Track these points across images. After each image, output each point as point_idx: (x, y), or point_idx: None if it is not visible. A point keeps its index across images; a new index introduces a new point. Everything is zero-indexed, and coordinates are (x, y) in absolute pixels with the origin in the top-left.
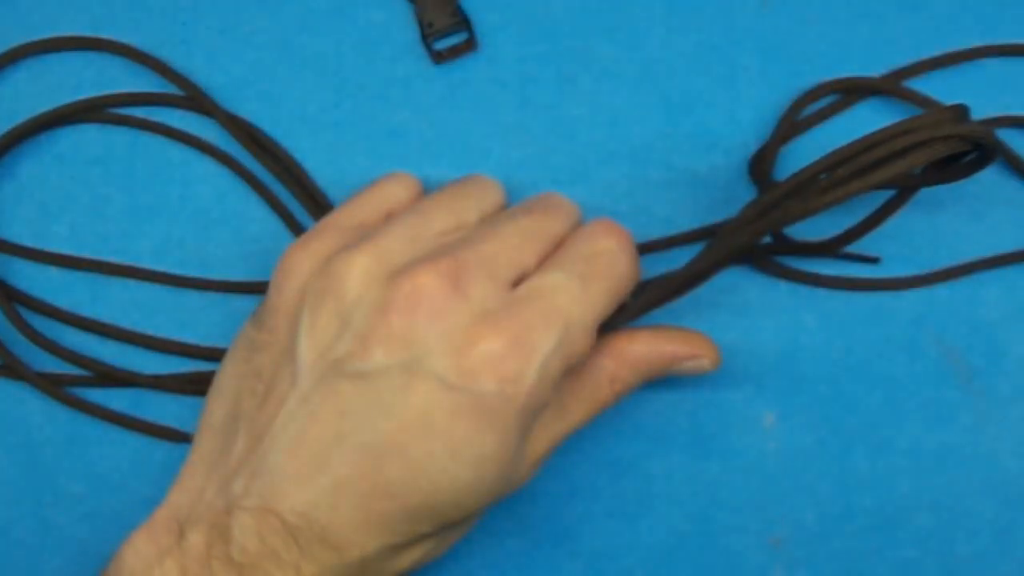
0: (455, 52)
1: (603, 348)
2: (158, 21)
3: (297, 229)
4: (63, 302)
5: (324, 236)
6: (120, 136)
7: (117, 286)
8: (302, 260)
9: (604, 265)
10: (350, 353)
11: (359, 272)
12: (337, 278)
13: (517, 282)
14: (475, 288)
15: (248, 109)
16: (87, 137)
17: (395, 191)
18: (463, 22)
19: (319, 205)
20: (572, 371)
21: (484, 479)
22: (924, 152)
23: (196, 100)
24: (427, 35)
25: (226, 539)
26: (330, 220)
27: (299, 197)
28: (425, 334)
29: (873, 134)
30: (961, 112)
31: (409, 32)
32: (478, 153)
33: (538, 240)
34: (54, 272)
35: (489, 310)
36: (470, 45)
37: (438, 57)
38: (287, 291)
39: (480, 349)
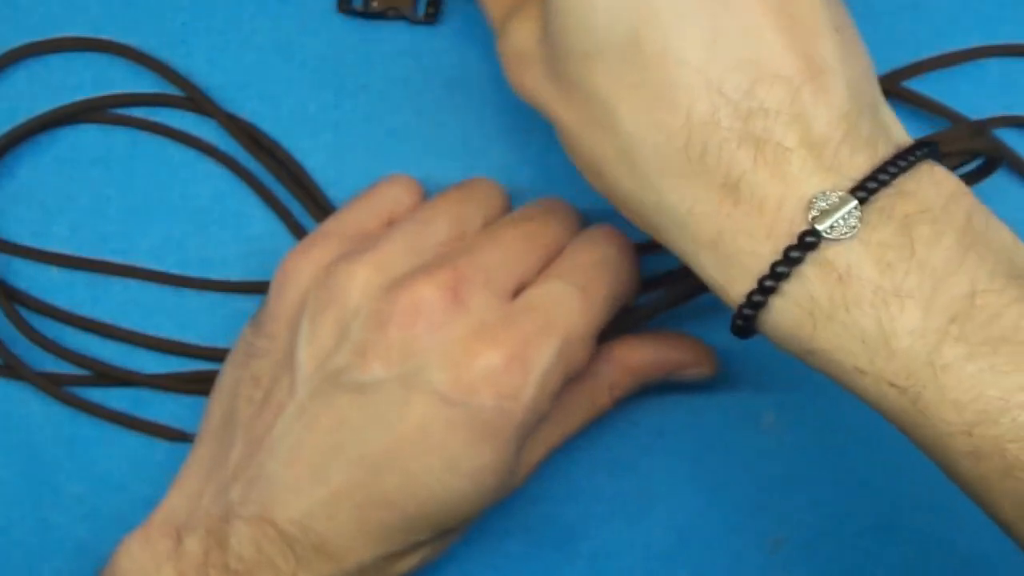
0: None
1: (603, 355)
2: (158, 21)
3: (297, 230)
4: (63, 302)
5: (326, 243)
6: (120, 136)
7: (117, 286)
8: (303, 267)
9: (604, 274)
10: (348, 365)
11: (361, 283)
12: (339, 288)
13: (517, 291)
14: (474, 299)
15: (248, 109)
16: (87, 137)
17: (396, 194)
18: None
19: (319, 206)
20: (571, 379)
21: (481, 489)
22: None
23: (195, 101)
24: None
25: (223, 547)
26: (331, 226)
27: (299, 197)
28: (423, 347)
29: None
30: (977, 128)
31: (410, 33)
32: (478, 153)
33: (539, 248)
34: (54, 272)
35: (488, 323)
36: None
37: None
38: (287, 298)
39: (478, 364)
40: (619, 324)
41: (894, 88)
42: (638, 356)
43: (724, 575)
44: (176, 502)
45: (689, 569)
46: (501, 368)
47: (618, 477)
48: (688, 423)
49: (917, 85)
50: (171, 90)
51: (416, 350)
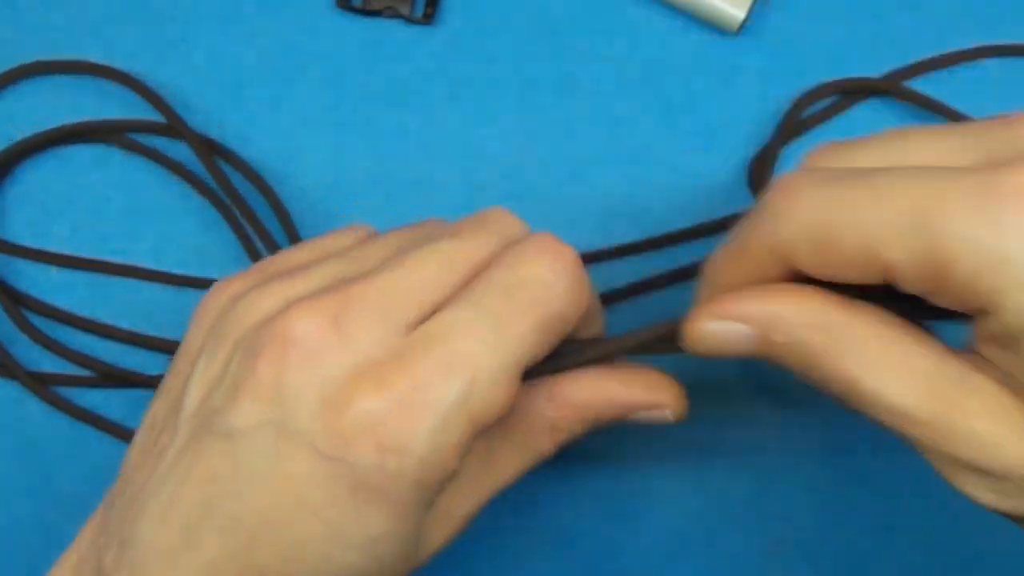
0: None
1: (540, 390)
2: (158, 21)
3: (257, 258)
4: (63, 302)
5: (247, 278)
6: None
7: (117, 286)
8: (217, 301)
9: (529, 297)
10: (222, 406)
11: (262, 316)
12: (238, 319)
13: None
14: (361, 330)
15: (248, 110)
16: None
17: (343, 241)
18: None
19: (289, 236)
20: (493, 426)
21: (375, 564)
22: None
23: (175, 128)
24: None
25: None
26: (263, 262)
27: (259, 232)
28: (295, 387)
29: None
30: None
31: (410, 32)
32: (477, 153)
33: (459, 269)
34: (54, 272)
35: (374, 359)
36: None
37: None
38: (195, 333)
39: (356, 409)
40: (570, 359)
41: (894, 88)
42: (585, 392)
43: (724, 575)
44: (66, 566)
45: (689, 569)
46: (382, 415)
47: (618, 477)
48: (688, 423)
49: (917, 85)
50: (157, 117)
51: (287, 391)
